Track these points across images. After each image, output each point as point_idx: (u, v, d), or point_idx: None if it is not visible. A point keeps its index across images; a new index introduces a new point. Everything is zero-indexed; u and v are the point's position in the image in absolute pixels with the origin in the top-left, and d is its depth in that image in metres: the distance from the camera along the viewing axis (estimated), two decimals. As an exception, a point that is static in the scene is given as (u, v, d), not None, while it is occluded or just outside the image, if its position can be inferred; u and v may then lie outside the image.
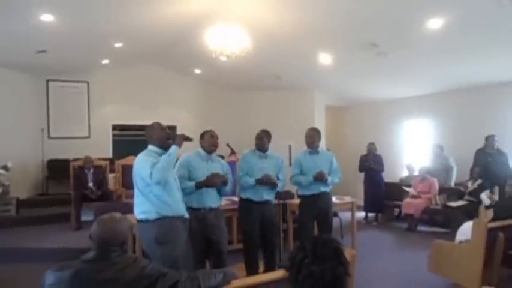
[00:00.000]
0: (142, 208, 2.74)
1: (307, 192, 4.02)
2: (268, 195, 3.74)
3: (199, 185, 3.17)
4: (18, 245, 5.00)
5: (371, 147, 7.23)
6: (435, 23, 4.61)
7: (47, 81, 7.46)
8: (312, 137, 4.05)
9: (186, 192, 3.12)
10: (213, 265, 3.31)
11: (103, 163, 6.54)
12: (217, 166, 3.39)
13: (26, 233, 5.53)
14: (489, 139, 6.02)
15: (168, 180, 2.74)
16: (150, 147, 2.85)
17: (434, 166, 6.75)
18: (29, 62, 6.37)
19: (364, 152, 7.32)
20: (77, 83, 7.72)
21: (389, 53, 5.64)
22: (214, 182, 3.20)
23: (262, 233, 3.73)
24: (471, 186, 6.03)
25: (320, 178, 3.87)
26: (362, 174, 7.33)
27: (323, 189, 4.02)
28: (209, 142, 3.33)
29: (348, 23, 5.01)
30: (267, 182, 3.61)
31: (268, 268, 3.69)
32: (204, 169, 3.27)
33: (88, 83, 7.81)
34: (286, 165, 4.12)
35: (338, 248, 1.27)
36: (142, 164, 2.70)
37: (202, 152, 3.35)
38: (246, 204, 3.73)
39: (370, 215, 7.22)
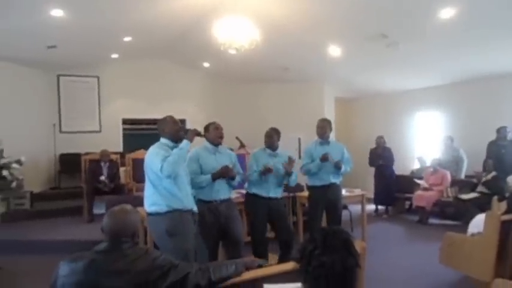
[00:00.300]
0: (152, 200, 2.77)
1: (317, 183, 4.02)
2: (274, 193, 3.72)
3: (215, 176, 3.20)
4: (33, 237, 5.10)
5: (380, 141, 7.19)
6: (447, 13, 4.51)
7: (58, 76, 7.54)
8: (323, 128, 4.06)
9: (202, 185, 3.16)
10: (230, 255, 3.32)
11: (114, 157, 6.60)
12: (225, 157, 3.39)
13: (40, 225, 5.65)
14: (501, 131, 5.95)
15: (178, 173, 2.76)
16: (162, 140, 2.87)
17: (445, 158, 6.68)
18: (39, 57, 6.44)
19: (374, 146, 7.27)
20: (87, 78, 7.78)
21: (400, 44, 5.55)
22: (229, 171, 3.23)
23: (274, 227, 3.74)
24: (485, 177, 5.95)
25: (325, 158, 3.88)
26: (372, 167, 7.28)
27: (333, 180, 4.03)
28: (214, 134, 3.33)
29: (357, 13, 4.93)
30: (267, 171, 3.59)
31: (283, 260, 3.69)
32: (213, 162, 3.28)
33: (98, 78, 7.87)
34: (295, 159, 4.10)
35: (348, 239, 1.27)
36: (153, 156, 2.72)
37: (209, 145, 3.35)
38: (252, 199, 3.72)
39: (380, 207, 7.19)
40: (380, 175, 7.12)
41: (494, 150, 6.05)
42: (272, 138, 3.76)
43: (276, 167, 3.67)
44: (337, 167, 3.96)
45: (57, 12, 4.72)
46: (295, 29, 5.59)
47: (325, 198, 3.99)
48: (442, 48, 5.63)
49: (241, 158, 3.90)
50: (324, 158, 3.90)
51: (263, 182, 3.65)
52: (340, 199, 4.16)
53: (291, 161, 3.65)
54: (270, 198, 3.67)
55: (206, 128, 3.39)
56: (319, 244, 1.24)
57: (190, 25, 6.00)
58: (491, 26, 4.77)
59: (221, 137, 3.36)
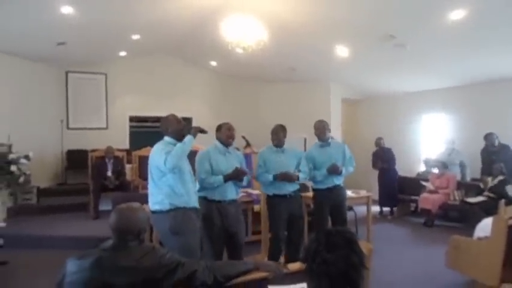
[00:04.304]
0: (156, 199, 2.78)
1: (321, 186, 4.00)
2: (292, 187, 3.69)
3: (228, 178, 3.21)
4: (39, 232, 5.15)
5: (379, 142, 7.21)
6: (456, 15, 4.48)
7: (66, 72, 7.60)
8: (321, 129, 4.00)
9: (213, 186, 3.16)
10: (231, 257, 3.33)
11: (120, 154, 6.64)
12: (235, 158, 3.41)
13: (46, 221, 5.69)
14: (488, 137, 5.94)
15: (182, 170, 2.79)
16: (166, 138, 2.90)
17: (444, 159, 6.66)
18: (49, 53, 6.50)
19: (376, 148, 7.25)
20: (95, 75, 7.85)
21: (407, 45, 5.52)
22: (241, 175, 3.26)
23: (287, 226, 3.72)
24: (491, 182, 5.89)
25: (334, 171, 3.85)
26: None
27: (337, 182, 4.00)
28: (226, 134, 3.33)
29: (364, 14, 4.91)
30: (285, 178, 3.58)
31: (290, 260, 3.68)
32: (224, 162, 3.29)
33: (106, 75, 7.92)
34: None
35: (352, 238, 1.28)
36: (157, 152, 2.75)
37: (220, 145, 3.35)
38: (273, 200, 3.70)
39: (385, 209, 7.16)
40: (383, 175, 7.11)
41: (485, 157, 6.07)
42: (278, 134, 3.73)
43: (286, 164, 3.66)
44: (332, 172, 3.89)
45: (67, 10, 4.76)
46: (302, 29, 5.59)
47: (330, 201, 3.97)
48: (450, 50, 5.58)
49: (247, 157, 3.89)
50: (333, 171, 3.86)
51: (276, 183, 3.65)
52: (344, 201, 4.13)
53: (287, 176, 3.60)
54: (290, 196, 3.66)
55: (219, 128, 3.39)
56: (323, 242, 1.25)
57: (198, 24, 6.02)
58: (502, 29, 4.71)
59: (232, 138, 3.37)
